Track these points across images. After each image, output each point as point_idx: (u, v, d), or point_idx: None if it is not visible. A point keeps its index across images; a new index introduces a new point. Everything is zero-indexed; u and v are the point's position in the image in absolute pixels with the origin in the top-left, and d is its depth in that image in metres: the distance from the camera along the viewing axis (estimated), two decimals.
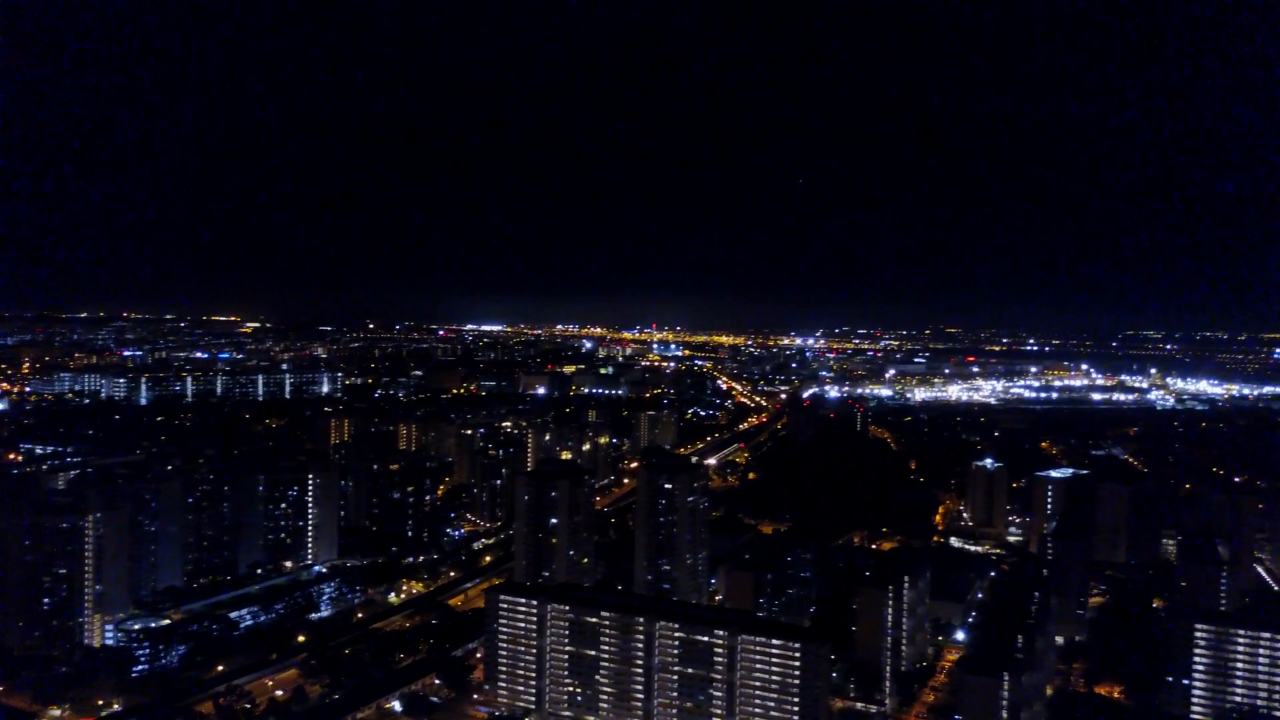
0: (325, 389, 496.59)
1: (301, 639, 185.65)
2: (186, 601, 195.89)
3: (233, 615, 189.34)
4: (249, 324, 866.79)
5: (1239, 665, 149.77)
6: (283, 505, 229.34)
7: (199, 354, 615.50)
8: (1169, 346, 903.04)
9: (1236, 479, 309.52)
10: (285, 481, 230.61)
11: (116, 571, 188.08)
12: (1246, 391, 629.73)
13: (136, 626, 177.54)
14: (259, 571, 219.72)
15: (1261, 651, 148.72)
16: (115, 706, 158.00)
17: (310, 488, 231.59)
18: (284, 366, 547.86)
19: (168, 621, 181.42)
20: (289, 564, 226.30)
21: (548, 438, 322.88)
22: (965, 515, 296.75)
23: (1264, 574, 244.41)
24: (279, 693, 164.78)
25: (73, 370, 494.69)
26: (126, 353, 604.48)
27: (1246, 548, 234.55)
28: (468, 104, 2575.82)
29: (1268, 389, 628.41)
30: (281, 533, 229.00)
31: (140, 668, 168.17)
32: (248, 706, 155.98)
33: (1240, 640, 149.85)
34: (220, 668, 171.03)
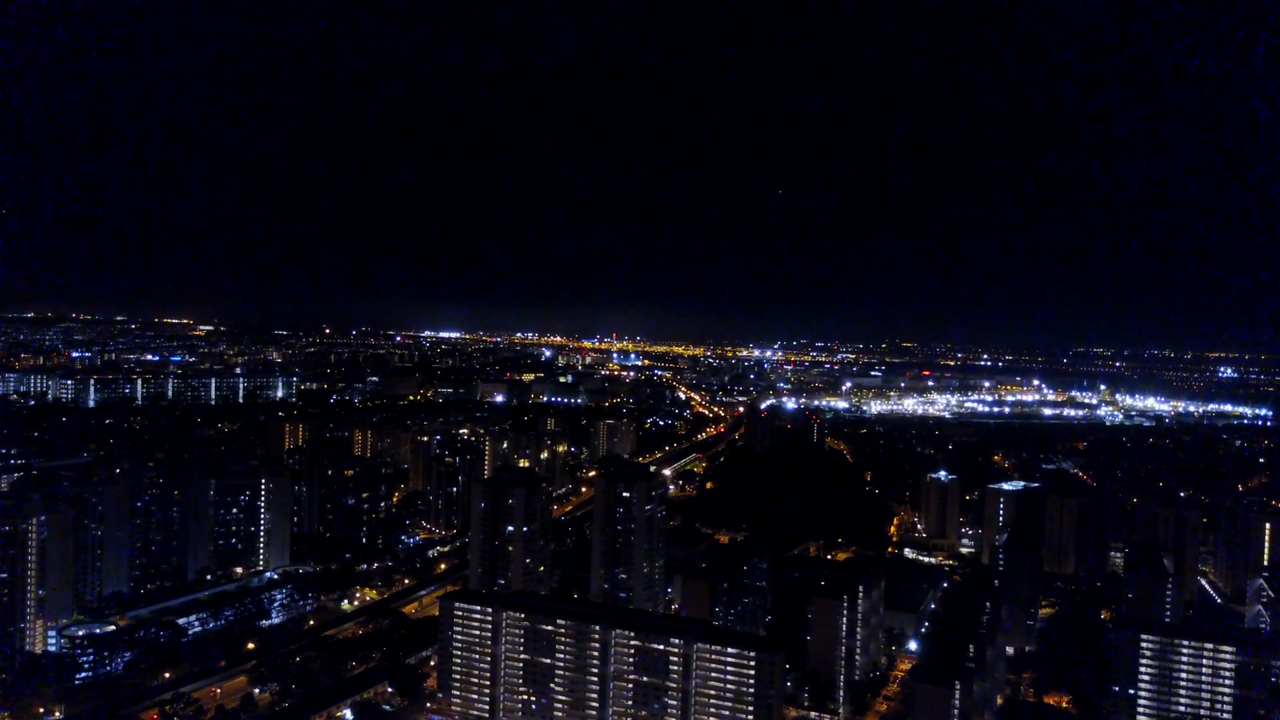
0: (279, 393, 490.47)
1: (251, 646, 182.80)
2: (133, 607, 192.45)
3: (181, 622, 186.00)
4: (202, 327, 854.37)
5: (1183, 675, 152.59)
6: (234, 510, 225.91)
7: (150, 356, 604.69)
8: (1118, 363, 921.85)
9: (1181, 494, 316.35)
10: (237, 486, 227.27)
11: (60, 576, 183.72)
12: (1192, 408, 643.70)
13: (80, 633, 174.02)
14: (209, 578, 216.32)
15: (1204, 662, 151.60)
16: (57, 715, 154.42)
17: (262, 493, 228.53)
18: (237, 370, 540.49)
19: (113, 628, 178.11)
20: (240, 570, 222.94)
21: (505, 445, 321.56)
22: (919, 526, 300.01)
23: (1207, 586, 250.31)
24: (227, 701, 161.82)
25: (18, 371, 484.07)
26: (75, 354, 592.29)
27: (1190, 561, 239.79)
28: (428, 111, 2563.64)
29: (1212, 406, 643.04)
30: (233, 538, 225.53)
31: (84, 675, 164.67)
32: (195, 714, 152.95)
33: (1184, 651, 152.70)
34: (167, 675, 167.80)
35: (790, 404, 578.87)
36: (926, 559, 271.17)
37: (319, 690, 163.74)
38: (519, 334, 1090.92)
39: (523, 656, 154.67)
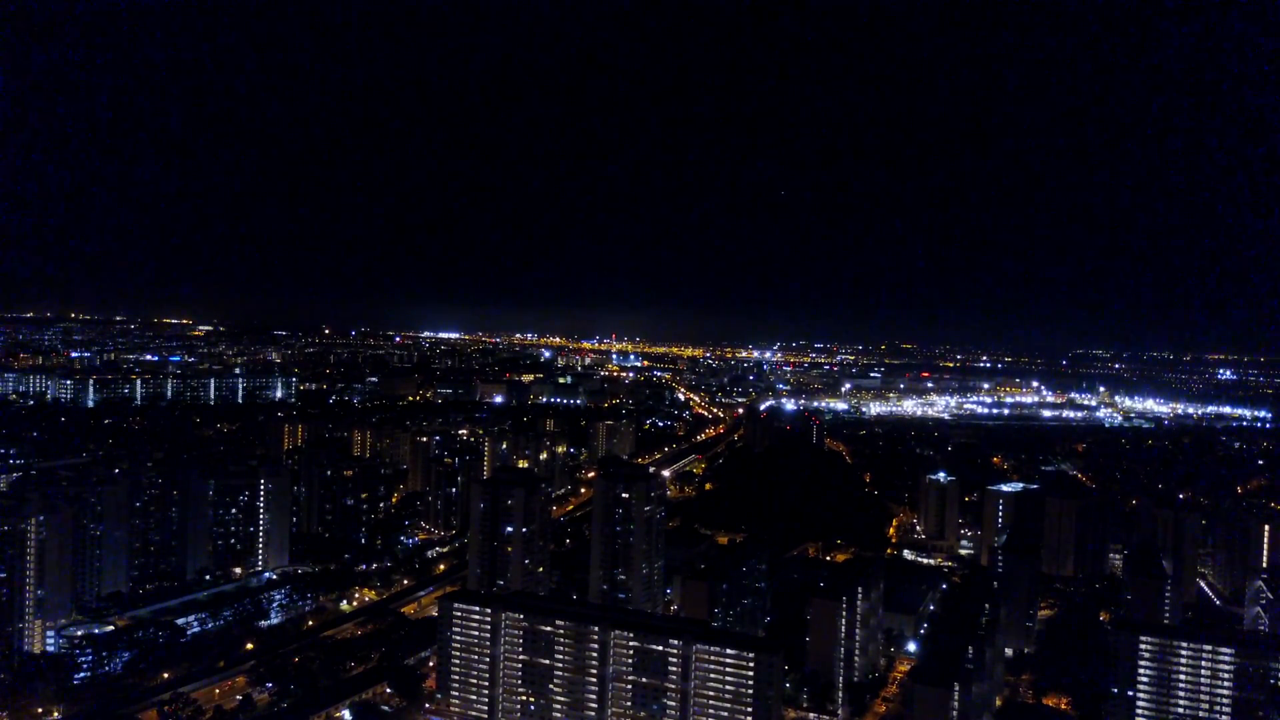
0: (279, 394, 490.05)
1: (250, 646, 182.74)
2: (131, 607, 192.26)
3: (179, 622, 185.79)
4: (201, 327, 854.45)
5: (1182, 677, 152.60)
6: (233, 510, 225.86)
7: (149, 356, 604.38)
8: (1117, 365, 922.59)
9: (1180, 495, 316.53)
10: (236, 487, 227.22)
11: (59, 576, 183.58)
12: (1191, 410, 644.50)
13: (79, 632, 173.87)
14: (207, 578, 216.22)
15: (1203, 663, 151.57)
16: (56, 715, 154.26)
17: (261, 493, 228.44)
18: (237, 370, 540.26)
19: (111, 628, 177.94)
20: (239, 570, 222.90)
21: (504, 446, 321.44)
22: (918, 528, 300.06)
23: (1205, 588, 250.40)
24: (226, 701, 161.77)
25: (17, 370, 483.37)
26: (74, 354, 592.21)
27: (1189, 562, 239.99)
28: (428, 111, 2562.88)
29: (1211, 408, 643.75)
30: (231, 538, 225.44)
31: (82, 675, 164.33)
32: (194, 714, 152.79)
33: (1183, 653, 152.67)
34: (165, 675, 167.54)
35: (789, 405, 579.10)
36: (925, 560, 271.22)
37: (318, 691, 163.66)
38: (518, 335, 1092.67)
39: (521, 657, 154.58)
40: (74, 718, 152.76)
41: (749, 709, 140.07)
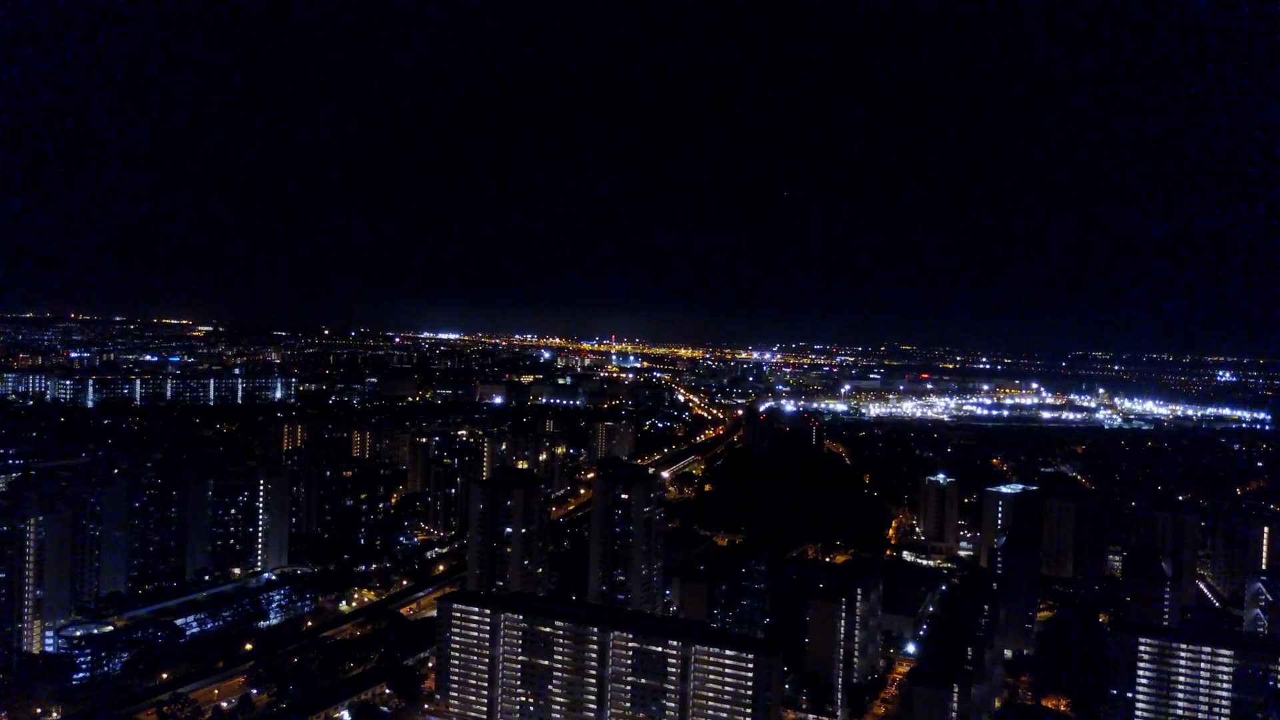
0: (278, 394, 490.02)
1: (249, 647, 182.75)
2: (130, 608, 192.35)
3: (179, 622, 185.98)
4: (201, 327, 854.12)
5: (1181, 679, 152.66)
6: (232, 511, 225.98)
7: (149, 357, 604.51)
8: (1117, 367, 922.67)
9: (1180, 497, 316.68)
10: (235, 487, 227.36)
11: (58, 576, 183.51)
12: (1190, 412, 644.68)
13: (78, 633, 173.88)
14: (207, 578, 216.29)
15: (1203, 665, 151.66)
16: (54, 715, 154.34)
17: (261, 494, 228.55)
18: (236, 371, 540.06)
19: (110, 628, 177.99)
20: (238, 571, 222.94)
21: (504, 447, 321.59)
22: (917, 529, 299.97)
23: (1205, 590, 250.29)
24: (225, 701, 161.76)
25: (16, 371, 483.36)
26: (74, 354, 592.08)
27: (1189, 564, 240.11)
28: (425, 112, 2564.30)
29: (1211, 410, 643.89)
30: (231, 539, 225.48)
31: (81, 675, 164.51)
32: (193, 715, 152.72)
33: (1182, 654, 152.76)
34: (164, 675, 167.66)
35: (789, 406, 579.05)
36: (925, 562, 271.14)
37: (316, 691, 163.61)
38: (518, 335, 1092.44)
39: (521, 658, 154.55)
40: (73, 718, 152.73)
41: (748, 710, 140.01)
